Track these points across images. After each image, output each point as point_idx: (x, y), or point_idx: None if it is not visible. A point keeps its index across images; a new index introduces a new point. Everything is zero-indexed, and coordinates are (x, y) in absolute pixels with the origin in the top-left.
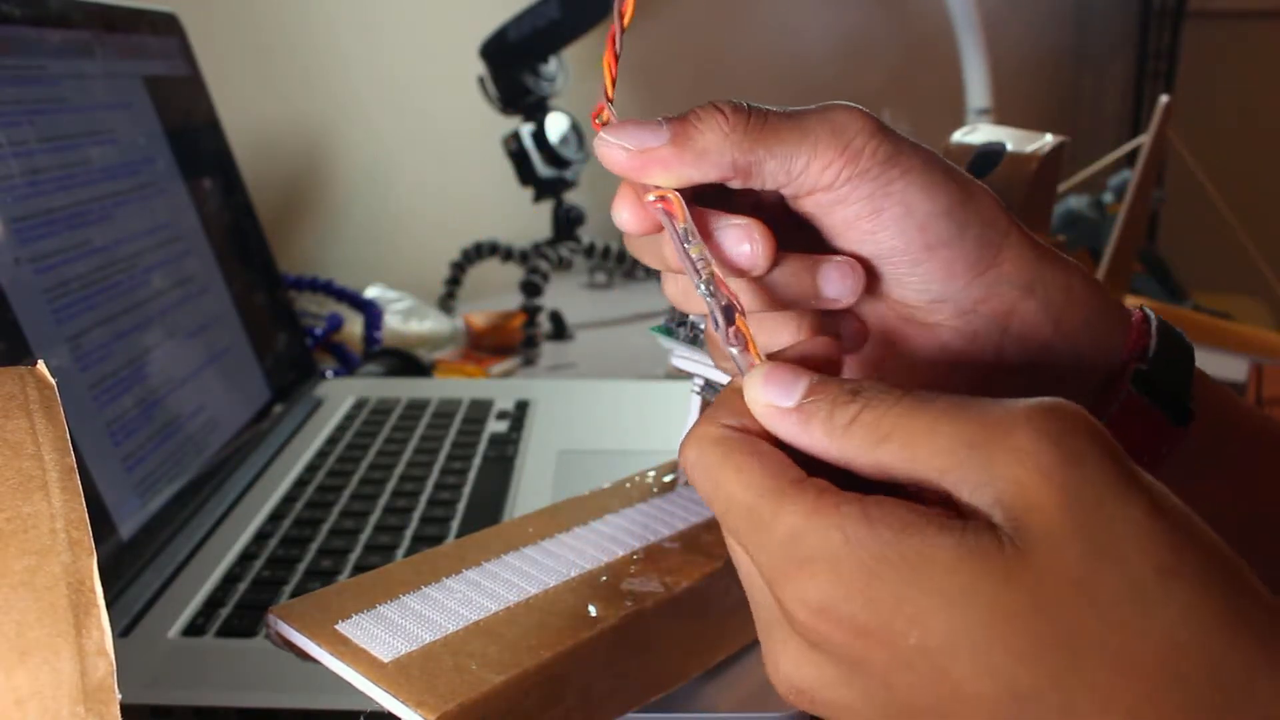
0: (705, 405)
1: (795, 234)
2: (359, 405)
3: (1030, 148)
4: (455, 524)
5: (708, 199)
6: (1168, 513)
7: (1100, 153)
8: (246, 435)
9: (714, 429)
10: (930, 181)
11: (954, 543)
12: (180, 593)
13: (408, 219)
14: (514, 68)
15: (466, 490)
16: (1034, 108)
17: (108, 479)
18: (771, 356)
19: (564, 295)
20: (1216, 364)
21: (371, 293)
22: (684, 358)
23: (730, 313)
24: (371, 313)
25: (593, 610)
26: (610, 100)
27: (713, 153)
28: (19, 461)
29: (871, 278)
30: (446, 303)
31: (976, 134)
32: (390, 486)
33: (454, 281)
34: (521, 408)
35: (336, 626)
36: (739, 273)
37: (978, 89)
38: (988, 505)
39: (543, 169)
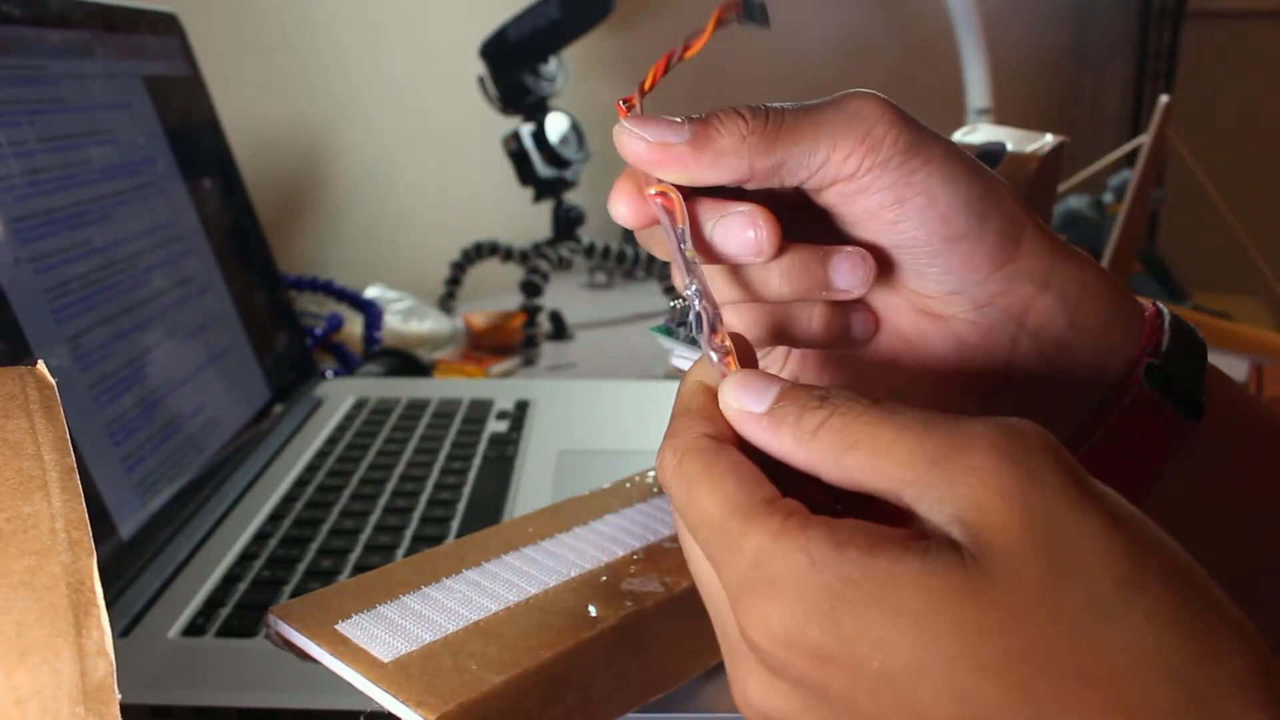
0: None
1: (808, 229)
2: (359, 405)
3: (1030, 148)
4: (455, 524)
5: (718, 189)
6: (1126, 526)
7: (1100, 153)
8: (246, 435)
9: (691, 438)
10: (953, 171)
11: (918, 563)
12: (180, 593)
13: (408, 219)
14: (514, 68)
15: (466, 490)
16: (1034, 108)
17: (108, 479)
18: (745, 362)
19: (564, 295)
20: (1216, 364)
21: (371, 293)
22: (684, 358)
23: (708, 321)
24: (371, 313)
25: (593, 610)
26: (644, 94)
27: (730, 155)
28: (19, 461)
29: (889, 269)
30: (446, 303)
31: (976, 134)
32: (390, 486)
33: (454, 281)
34: (521, 408)
35: (336, 626)
36: (745, 260)
37: (978, 89)
38: (946, 522)
39: (543, 169)
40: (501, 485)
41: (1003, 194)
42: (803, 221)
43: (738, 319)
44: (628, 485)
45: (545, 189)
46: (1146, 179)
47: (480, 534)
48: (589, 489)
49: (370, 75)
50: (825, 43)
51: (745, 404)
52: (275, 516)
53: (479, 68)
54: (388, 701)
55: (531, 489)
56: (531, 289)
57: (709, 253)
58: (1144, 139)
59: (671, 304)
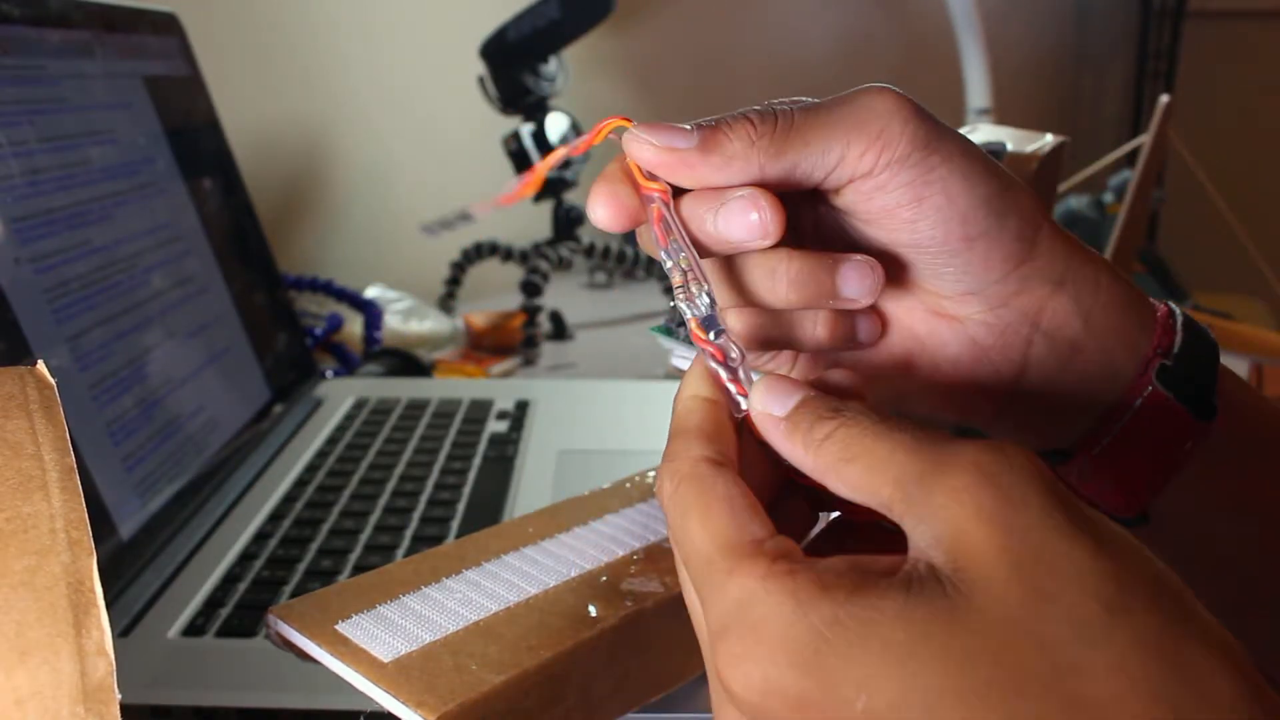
0: None
1: (819, 229)
2: (359, 405)
3: (1030, 148)
4: (455, 524)
5: None
6: (1111, 548)
7: (1100, 153)
8: (246, 435)
9: (687, 463)
10: (972, 170)
11: (902, 598)
12: (180, 593)
13: (408, 219)
14: (514, 68)
15: (466, 490)
16: (1034, 108)
17: (108, 479)
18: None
19: (564, 295)
20: None
21: (371, 293)
22: (684, 358)
23: (714, 322)
24: (371, 313)
25: (593, 610)
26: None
27: (739, 160)
28: (19, 461)
29: (905, 269)
30: (446, 303)
31: (976, 134)
32: (390, 486)
33: (454, 281)
34: (521, 408)
35: (336, 626)
36: (750, 245)
37: (978, 89)
38: (927, 543)
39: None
40: (501, 485)
41: (1019, 193)
42: (814, 221)
43: (742, 323)
44: (628, 485)
45: (545, 189)
46: (1146, 179)
47: (480, 534)
48: (589, 489)
49: (370, 75)
50: (825, 43)
51: (768, 406)
52: (275, 516)
53: (479, 68)
54: (388, 701)
55: (531, 489)
56: (531, 289)
57: (713, 243)
58: (1144, 139)
59: (671, 304)
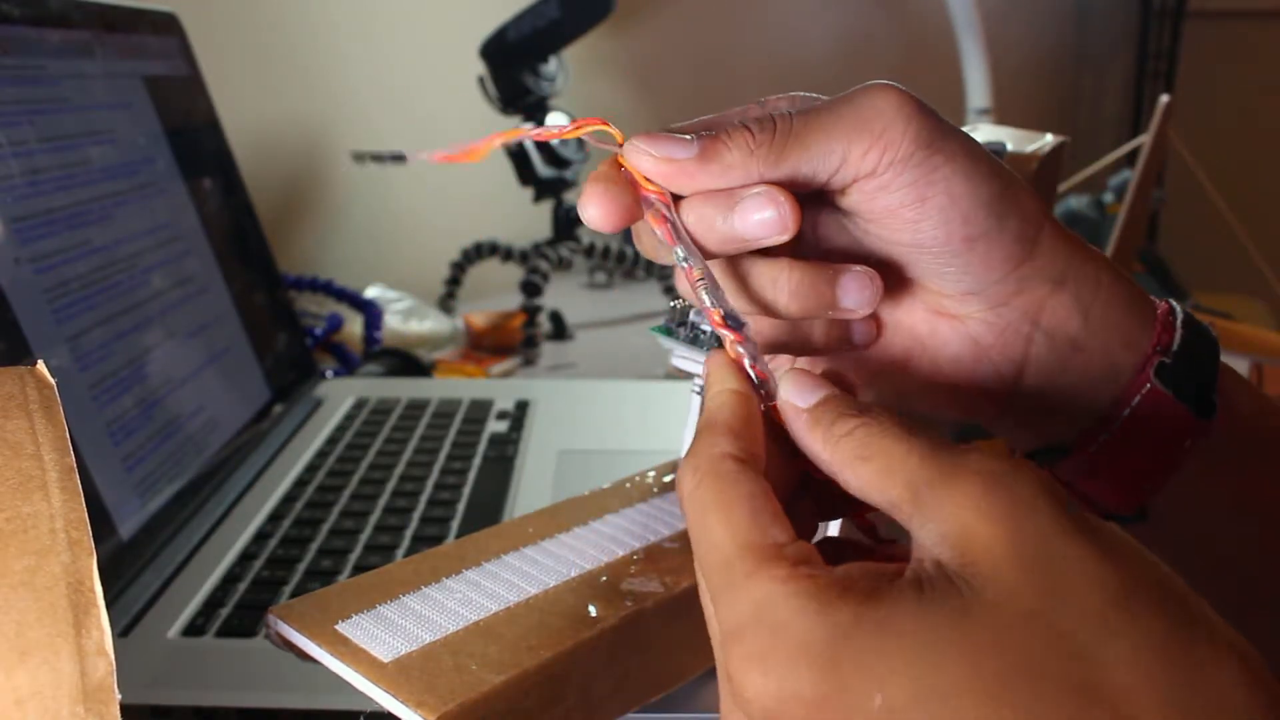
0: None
1: (816, 230)
2: (359, 405)
3: (1030, 148)
4: (455, 524)
5: None
6: (1119, 554)
7: (1100, 153)
8: (246, 435)
9: (710, 459)
10: (974, 170)
11: (915, 597)
12: (180, 593)
13: (408, 219)
14: (514, 68)
15: (466, 490)
16: (1034, 108)
17: (108, 479)
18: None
19: (564, 295)
20: None
21: (371, 293)
22: (684, 358)
23: (736, 322)
24: (371, 313)
25: (593, 610)
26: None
27: (737, 170)
28: (19, 461)
29: (905, 269)
30: (446, 303)
31: (977, 134)
32: (390, 486)
33: (454, 281)
34: (521, 408)
35: (336, 626)
36: (769, 241)
37: (978, 89)
38: (933, 541)
39: (542, 169)
40: (501, 485)
41: (1020, 192)
42: (812, 222)
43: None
44: (628, 485)
45: (545, 189)
46: (1146, 179)
47: (480, 534)
48: (589, 489)
49: (370, 75)
50: (825, 43)
51: (793, 398)
52: (275, 516)
53: (479, 68)
54: (388, 701)
55: (531, 489)
56: (531, 289)
57: (726, 243)
58: (1144, 139)
59: (671, 304)
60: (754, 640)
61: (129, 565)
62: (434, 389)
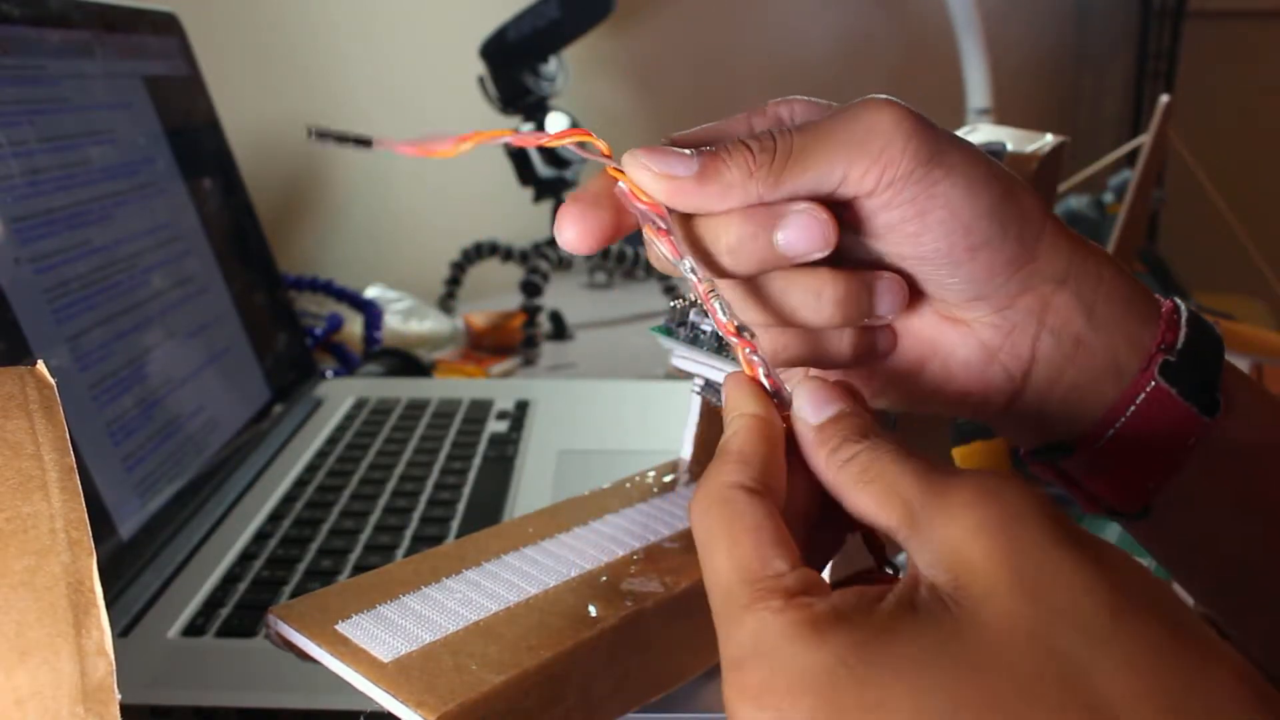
0: (705, 405)
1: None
2: (359, 405)
3: (1030, 148)
4: (455, 524)
5: None
6: (1111, 565)
7: (1100, 153)
8: (246, 435)
9: (721, 487)
10: (973, 180)
11: (908, 618)
12: (180, 593)
13: (408, 219)
14: (514, 68)
15: (466, 490)
16: (1034, 108)
17: (108, 479)
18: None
19: (564, 295)
20: None
21: (371, 293)
22: (684, 358)
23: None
24: (371, 313)
25: (593, 610)
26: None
27: (736, 189)
28: (19, 461)
29: (910, 279)
30: (446, 303)
31: (976, 134)
32: (390, 486)
33: (454, 281)
34: (521, 408)
35: (336, 626)
36: (813, 256)
37: (978, 89)
38: (926, 564)
39: (543, 169)
40: (501, 485)
41: (1021, 194)
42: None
43: (770, 342)
44: (628, 485)
45: (545, 189)
46: (1146, 179)
47: (480, 534)
48: (589, 489)
49: (370, 75)
50: (825, 43)
51: (804, 413)
52: (275, 516)
53: (479, 68)
54: (388, 701)
55: (531, 489)
56: (531, 289)
57: (770, 260)
58: (1144, 139)
59: (671, 304)
60: (752, 672)
61: (129, 565)
62: (434, 389)
